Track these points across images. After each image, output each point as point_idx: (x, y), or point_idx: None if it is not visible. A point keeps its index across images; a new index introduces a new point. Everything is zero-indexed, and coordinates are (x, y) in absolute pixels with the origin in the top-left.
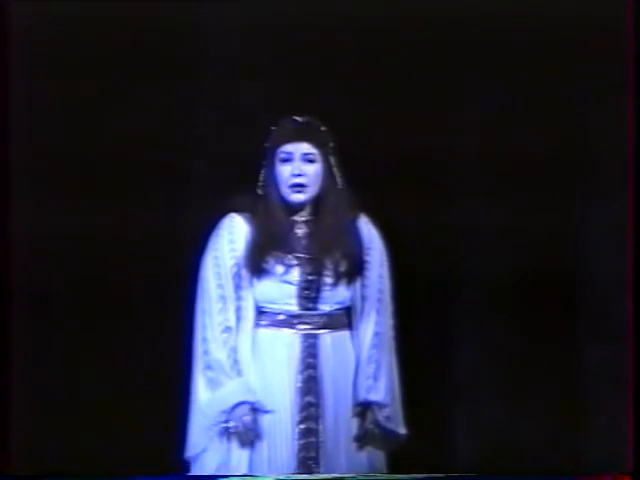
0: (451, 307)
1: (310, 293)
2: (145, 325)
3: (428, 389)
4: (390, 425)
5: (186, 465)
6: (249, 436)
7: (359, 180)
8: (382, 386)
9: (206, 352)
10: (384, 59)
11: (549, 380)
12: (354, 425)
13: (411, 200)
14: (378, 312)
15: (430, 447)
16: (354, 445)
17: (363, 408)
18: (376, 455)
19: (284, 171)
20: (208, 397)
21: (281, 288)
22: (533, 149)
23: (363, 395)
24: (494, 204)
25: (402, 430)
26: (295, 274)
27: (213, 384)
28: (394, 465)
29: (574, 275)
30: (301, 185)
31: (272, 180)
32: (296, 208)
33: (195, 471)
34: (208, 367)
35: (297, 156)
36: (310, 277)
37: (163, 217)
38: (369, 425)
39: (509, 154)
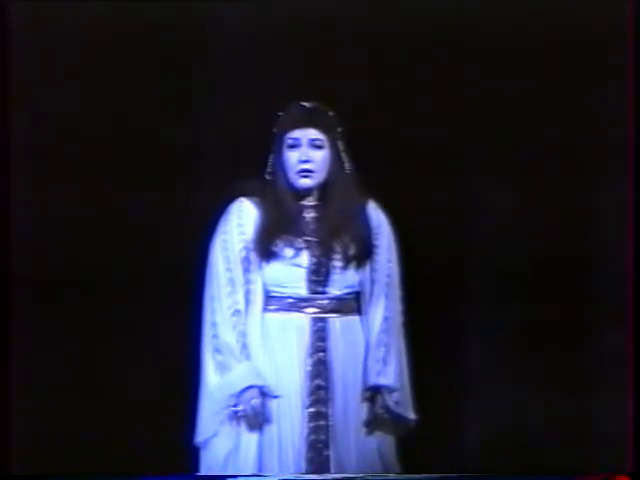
0: (460, 292)
1: (319, 276)
2: (153, 314)
3: (437, 375)
4: (399, 410)
5: (195, 453)
6: (258, 420)
7: (367, 165)
8: (392, 370)
9: (215, 336)
10: (392, 42)
11: (558, 368)
12: (364, 410)
13: (419, 185)
14: (387, 297)
15: (439, 433)
16: (364, 429)
17: (373, 392)
18: (385, 440)
19: (291, 157)
20: (217, 381)
21: (290, 271)
22: (543, 133)
23: (373, 379)
24: (504, 189)
25: (411, 415)
26: (304, 257)
27: (222, 368)
28: (403, 451)
29: (587, 261)
30: (308, 171)
31: (280, 166)
32: (304, 193)
33: (205, 457)
34: (217, 351)
35: (304, 142)
36: (319, 260)
37: (172, 202)
38: (379, 410)
39: (518, 138)
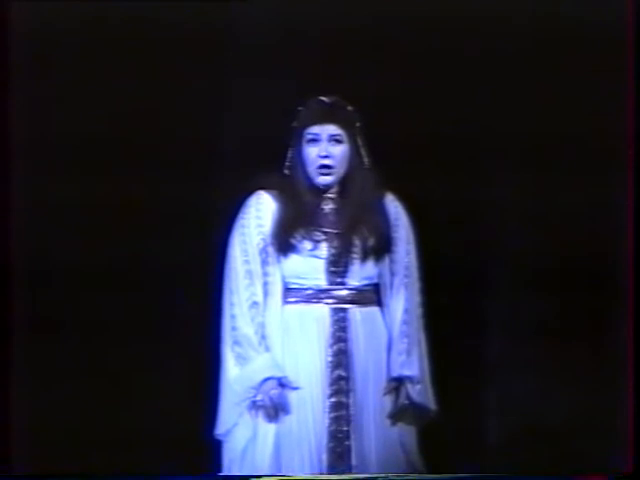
0: (477, 284)
1: (338, 267)
2: (170, 309)
3: (458, 367)
4: (422, 400)
5: (216, 444)
6: (275, 410)
7: (385, 159)
8: (415, 361)
9: (234, 328)
10: (410, 37)
11: (558, 368)
12: (388, 401)
13: (437, 178)
14: (406, 288)
15: (460, 424)
16: (386, 421)
17: (397, 383)
18: (407, 431)
19: (311, 152)
20: (236, 373)
21: (309, 263)
22: (559, 129)
23: (397, 370)
24: (523, 181)
25: (432, 405)
26: (323, 249)
27: (242, 360)
28: (423, 442)
29: (590, 258)
30: (328, 167)
31: (299, 161)
32: (323, 189)
33: (225, 447)
34: (236, 343)
35: (324, 137)
36: (338, 252)
37: (191, 195)
38: (404, 400)
39: (536, 134)
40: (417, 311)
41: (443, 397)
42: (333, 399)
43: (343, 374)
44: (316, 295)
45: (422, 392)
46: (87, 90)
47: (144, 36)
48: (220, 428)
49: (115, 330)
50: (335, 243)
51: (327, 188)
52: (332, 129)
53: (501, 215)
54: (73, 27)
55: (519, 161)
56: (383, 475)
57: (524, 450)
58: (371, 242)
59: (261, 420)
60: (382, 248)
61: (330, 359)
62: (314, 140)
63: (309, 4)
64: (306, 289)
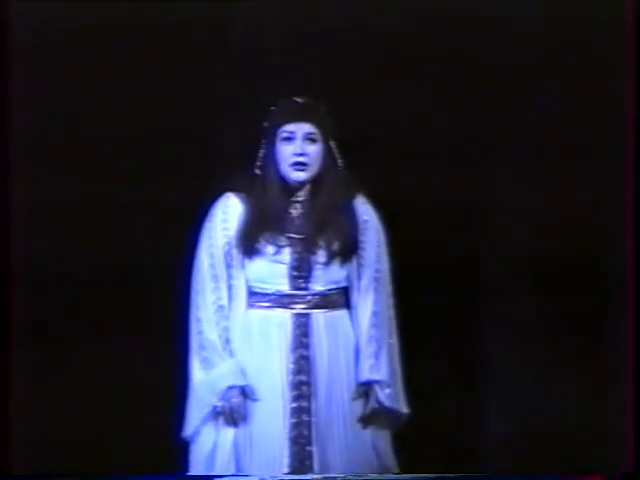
0: (453, 285)
1: (301, 272)
2: (151, 311)
3: (431, 369)
4: (392, 404)
5: (185, 445)
6: (234, 417)
7: (358, 161)
8: (384, 365)
9: (200, 332)
10: (385, 37)
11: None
12: (358, 406)
13: (414, 180)
14: (376, 291)
15: (433, 427)
16: (358, 425)
17: (366, 388)
18: (380, 434)
19: (285, 150)
20: (201, 378)
21: (272, 268)
22: (558, 129)
23: (365, 375)
24: (503, 181)
25: (404, 409)
26: (286, 254)
27: (206, 364)
28: (400, 445)
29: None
30: (303, 164)
31: (272, 159)
32: (295, 187)
33: (193, 450)
34: (201, 347)
35: (299, 135)
36: (301, 256)
37: (162, 197)
38: (374, 404)
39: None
40: (387, 314)
41: (417, 400)
42: (294, 404)
43: (305, 379)
44: (279, 300)
45: (392, 396)
46: (87, 90)
47: (144, 36)
48: (185, 431)
49: (109, 330)
50: (299, 248)
51: (299, 186)
52: (307, 127)
53: (480, 215)
54: (73, 27)
55: (500, 161)
56: (342, 476)
57: (524, 450)
58: (336, 246)
59: (222, 427)
60: (348, 250)
61: (292, 365)
62: (289, 138)
63: (281, 7)
64: (269, 294)
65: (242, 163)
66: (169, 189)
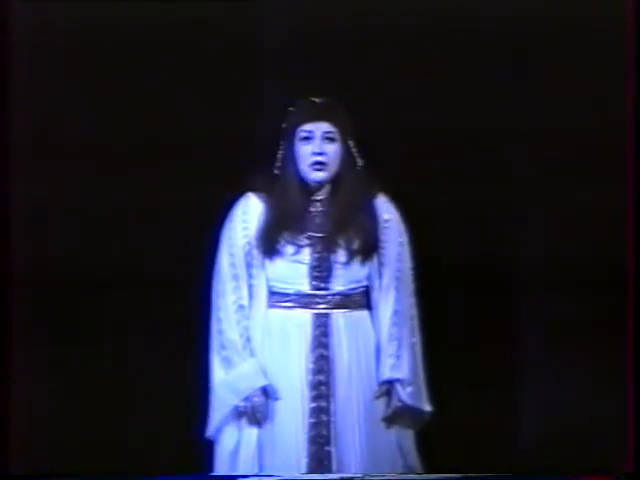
0: (474, 285)
1: (321, 272)
2: (163, 311)
3: (453, 368)
4: (415, 402)
5: (209, 445)
6: (257, 417)
7: (378, 160)
8: (405, 364)
9: (220, 331)
10: (403, 37)
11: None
12: (381, 405)
13: (435, 179)
14: (397, 290)
15: (460, 425)
16: (380, 424)
17: (387, 387)
18: (404, 433)
19: (304, 149)
20: (222, 377)
21: (292, 268)
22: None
23: (386, 373)
24: (524, 182)
25: (427, 407)
26: (306, 254)
27: (227, 363)
28: (424, 444)
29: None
30: (322, 163)
31: (291, 159)
32: (315, 187)
33: (216, 450)
34: (222, 346)
35: (318, 134)
36: (321, 256)
37: (181, 197)
38: (396, 403)
39: (536, 133)
40: (409, 313)
41: (442, 398)
42: (313, 404)
43: (324, 379)
44: (299, 300)
45: (414, 394)
46: (87, 90)
47: (143, 36)
48: (209, 430)
49: (113, 331)
50: (319, 248)
51: (319, 186)
52: (326, 127)
53: (501, 215)
54: (73, 27)
55: (519, 161)
56: (360, 476)
57: (524, 450)
58: (356, 245)
59: (245, 426)
60: (369, 249)
61: (311, 365)
62: (307, 138)
63: (294, 6)
64: (289, 294)
65: (262, 163)
66: (187, 190)
